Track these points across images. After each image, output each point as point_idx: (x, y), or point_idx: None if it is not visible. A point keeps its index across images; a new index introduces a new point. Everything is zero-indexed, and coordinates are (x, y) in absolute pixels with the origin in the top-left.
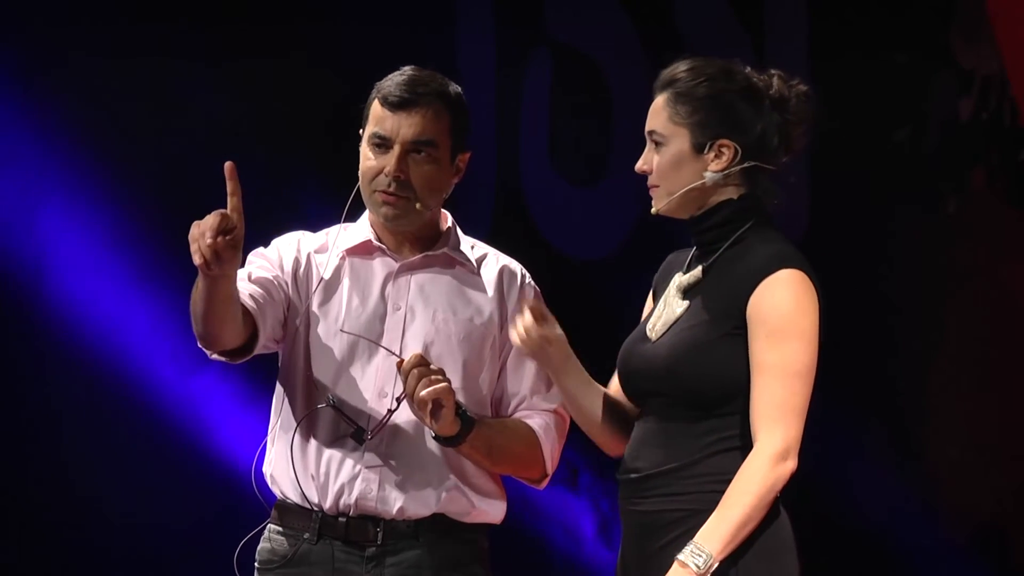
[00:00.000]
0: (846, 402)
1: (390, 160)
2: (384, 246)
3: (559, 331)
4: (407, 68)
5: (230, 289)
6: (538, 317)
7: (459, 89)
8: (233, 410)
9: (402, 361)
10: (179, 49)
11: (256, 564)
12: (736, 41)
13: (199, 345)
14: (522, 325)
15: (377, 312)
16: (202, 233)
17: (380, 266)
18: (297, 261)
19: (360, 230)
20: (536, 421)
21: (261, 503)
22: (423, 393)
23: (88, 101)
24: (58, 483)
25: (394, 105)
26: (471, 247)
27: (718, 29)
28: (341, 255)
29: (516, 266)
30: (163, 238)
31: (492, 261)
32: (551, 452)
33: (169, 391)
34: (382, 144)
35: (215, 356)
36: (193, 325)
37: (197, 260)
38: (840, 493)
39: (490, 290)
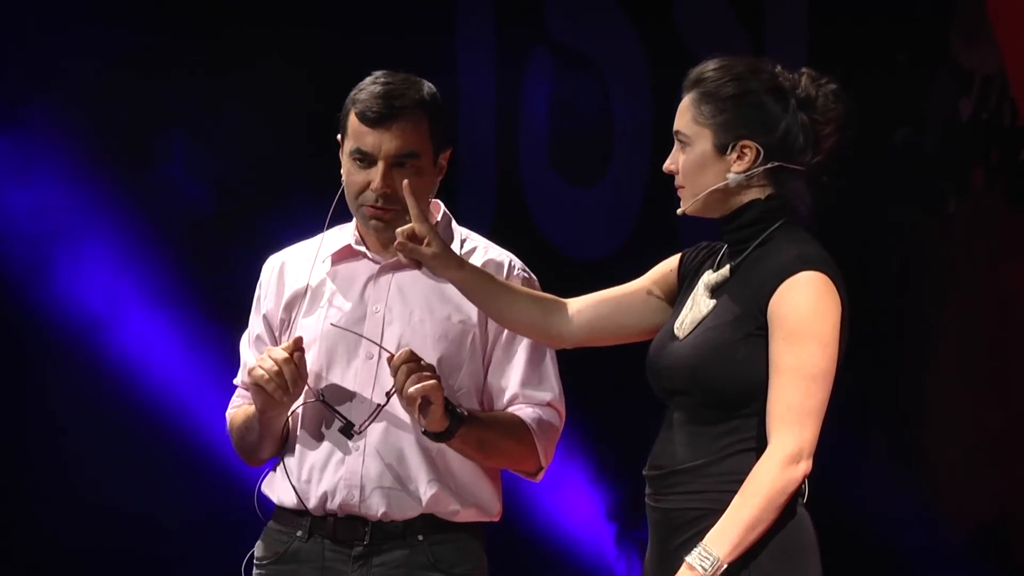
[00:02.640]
0: (846, 402)
1: (375, 176)
2: (366, 249)
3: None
4: (379, 75)
5: (279, 424)
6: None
7: (433, 89)
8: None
9: (392, 357)
10: (183, 55)
11: (254, 560)
12: (736, 41)
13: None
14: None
15: (356, 314)
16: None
17: (362, 268)
18: (280, 289)
19: (345, 233)
20: (528, 414)
21: (259, 517)
22: (412, 390)
23: (90, 108)
24: (60, 483)
25: (373, 121)
26: (462, 241)
27: (718, 29)
28: (326, 260)
29: (504, 257)
30: (168, 241)
31: (479, 255)
32: (545, 445)
33: (173, 391)
34: (364, 159)
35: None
36: (239, 451)
37: (272, 388)
38: (840, 493)
39: None
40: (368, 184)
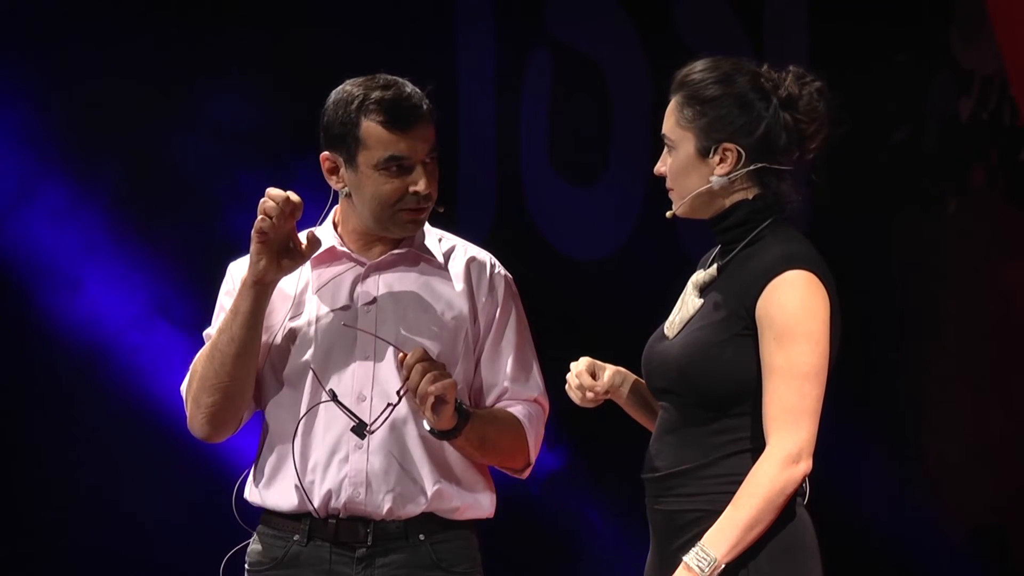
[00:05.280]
0: (846, 402)
1: (417, 179)
2: (349, 250)
3: (606, 379)
4: (370, 83)
5: (265, 306)
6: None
7: (412, 81)
8: None
9: (404, 356)
10: (185, 57)
11: (246, 566)
12: (736, 42)
13: (200, 432)
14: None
15: (348, 315)
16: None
17: (348, 270)
18: None
19: (324, 236)
20: (519, 410)
21: (243, 527)
22: (431, 388)
23: (89, 106)
24: (65, 484)
25: (405, 126)
26: (438, 240)
27: (718, 29)
28: (308, 265)
29: (484, 256)
30: (168, 246)
31: (460, 253)
32: (534, 441)
33: (169, 396)
34: (400, 165)
35: (211, 441)
36: (205, 398)
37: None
38: (840, 493)
39: (459, 284)
40: (406, 189)
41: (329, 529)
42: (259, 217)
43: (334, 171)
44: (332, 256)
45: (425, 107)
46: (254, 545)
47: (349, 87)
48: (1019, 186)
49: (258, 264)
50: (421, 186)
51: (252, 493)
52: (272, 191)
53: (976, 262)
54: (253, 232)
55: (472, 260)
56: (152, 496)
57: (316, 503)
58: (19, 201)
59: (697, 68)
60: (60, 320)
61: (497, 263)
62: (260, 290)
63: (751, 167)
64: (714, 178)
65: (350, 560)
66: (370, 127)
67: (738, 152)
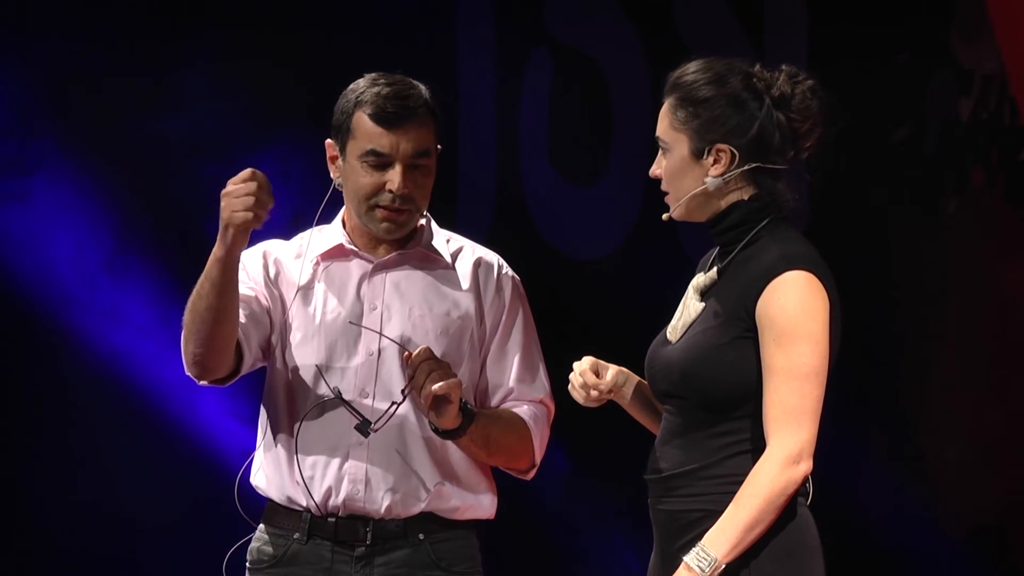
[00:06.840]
0: (846, 402)
1: (393, 177)
2: (357, 247)
3: (610, 378)
4: (378, 78)
5: (235, 273)
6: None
7: (427, 88)
8: (230, 411)
9: (410, 355)
10: (184, 52)
11: (247, 564)
12: (736, 41)
13: (190, 373)
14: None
15: (353, 312)
16: (250, 191)
17: (355, 267)
18: (267, 272)
19: (333, 233)
20: (525, 411)
21: (246, 520)
22: (435, 387)
23: (87, 104)
24: (59, 484)
25: (389, 122)
26: (446, 241)
27: (718, 29)
28: (315, 260)
29: (492, 257)
30: (161, 243)
31: (468, 254)
32: (540, 442)
33: (168, 393)
34: (379, 161)
35: (204, 383)
36: (192, 348)
37: (242, 210)
38: (840, 493)
39: (466, 283)
40: (382, 186)
41: (328, 527)
42: (249, 214)
43: (334, 159)
44: (340, 253)
45: (421, 111)
46: (254, 543)
47: (360, 79)
48: (1019, 186)
49: (234, 246)
50: (396, 185)
51: (258, 470)
52: (245, 178)
53: (976, 262)
54: (238, 226)
55: (480, 261)
56: (153, 495)
57: (316, 499)
58: (18, 204)
59: (690, 69)
60: (59, 320)
61: (505, 264)
62: (231, 263)
63: (745, 167)
64: (709, 179)
65: (349, 559)
66: (360, 118)
67: (732, 152)
